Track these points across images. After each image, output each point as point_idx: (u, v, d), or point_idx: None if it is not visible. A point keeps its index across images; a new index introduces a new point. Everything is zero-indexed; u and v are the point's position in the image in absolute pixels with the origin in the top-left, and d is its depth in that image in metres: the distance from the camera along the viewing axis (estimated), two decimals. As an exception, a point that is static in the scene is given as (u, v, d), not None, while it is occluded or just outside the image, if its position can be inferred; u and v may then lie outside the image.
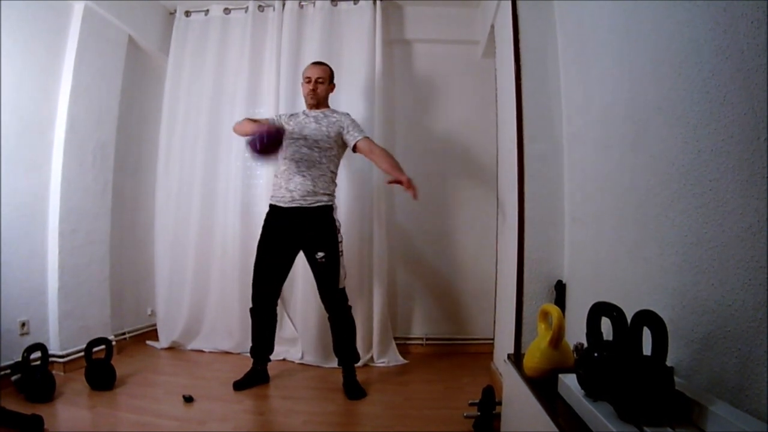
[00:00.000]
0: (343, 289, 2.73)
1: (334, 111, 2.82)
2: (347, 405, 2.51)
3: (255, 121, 2.73)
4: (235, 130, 2.75)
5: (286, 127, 2.72)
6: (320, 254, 2.64)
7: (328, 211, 2.70)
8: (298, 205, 2.65)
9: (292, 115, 2.87)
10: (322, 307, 2.83)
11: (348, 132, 2.70)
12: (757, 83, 0.92)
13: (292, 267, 2.79)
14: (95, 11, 3.03)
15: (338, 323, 2.70)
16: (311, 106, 2.80)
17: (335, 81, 2.90)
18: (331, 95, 2.87)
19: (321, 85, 2.77)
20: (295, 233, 2.67)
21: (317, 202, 2.66)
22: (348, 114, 2.81)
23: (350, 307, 2.76)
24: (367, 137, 2.73)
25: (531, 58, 2.34)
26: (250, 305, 2.75)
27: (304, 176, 2.65)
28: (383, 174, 3.33)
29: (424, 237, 3.59)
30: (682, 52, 1.19)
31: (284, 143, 2.58)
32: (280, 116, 2.88)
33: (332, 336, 2.74)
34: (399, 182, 2.47)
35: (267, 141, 2.38)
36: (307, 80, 2.78)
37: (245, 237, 3.40)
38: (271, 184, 2.88)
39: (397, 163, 2.62)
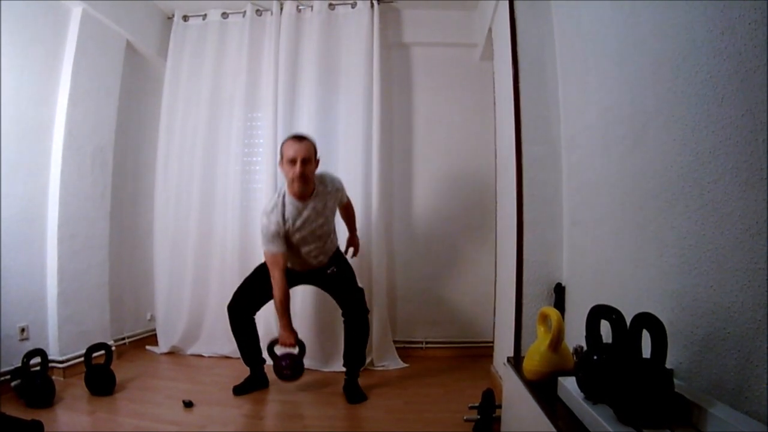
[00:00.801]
0: (362, 289, 2.79)
1: (323, 187, 2.59)
2: (347, 409, 2.50)
3: (287, 301, 2.54)
4: (276, 303, 2.54)
5: (292, 230, 2.53)
6: (331, 268, 2.75)
7: (335, 252, 2.82)
8: (310, 268, 2.74)
9: (283, 214, 2.50)
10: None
11: (342, 200, 2.77)
12: (755, 84, 0.92)
13: None
14: (93, 16, 3.03)
15: (355, 326, 2.68)
16: (301, 194, 2.50)
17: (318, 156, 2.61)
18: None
19: (309, 166, 2.45)
20: (304, 276, 2.79)
21: (327, 258, 2.75)
22: (338, 182, 2.69)
23: (368, 310, 2.77)
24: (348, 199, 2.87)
25: (529, 61, 2.34)
26: (228, 305, 2.73)
27: (318, 258, 2.70)
28: (382, 177, 3.41)
29: (423, 240, 3.59)
30: (680, 54, 1.19)
31: (296, 242, 2.59)
32: (277, 228, 2.49)
33: (345, 339, 2.71)
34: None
35: (293, 369, 2.63)
36: (292, 161, 2.42)
37: (244, 241, 3.41)
38: (269, 198, 2.84)
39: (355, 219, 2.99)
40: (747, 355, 0.95)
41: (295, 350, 2.62)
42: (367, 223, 3.34)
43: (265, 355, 2.80)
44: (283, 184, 2.57)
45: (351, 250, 3.01)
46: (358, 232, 3.05)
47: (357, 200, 3.29)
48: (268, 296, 2.63)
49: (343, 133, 3.44)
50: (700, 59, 1.10)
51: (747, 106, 0.95)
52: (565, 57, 2.20)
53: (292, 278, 2.70)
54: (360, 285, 2.83)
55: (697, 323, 1.12)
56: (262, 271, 2.66)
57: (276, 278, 2.51)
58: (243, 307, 2.71)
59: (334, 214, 2.73)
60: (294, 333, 2.58)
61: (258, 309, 2.76)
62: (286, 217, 2.51)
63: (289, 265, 2.64)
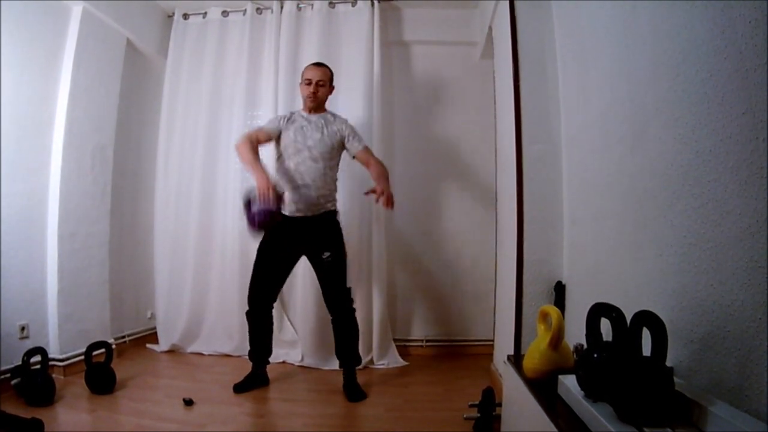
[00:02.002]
0: (350, 289, 2.75)
1: (333, 115, 2.79)
2: (347, 407, 2.51)
3: (256, 153, 2.53)
4: (237, 151, 2.60)
5: (286, 133, 2.68)
6: (326, 254, 2.66)
7: (332, 215, 2.74)
8: (303, 215, 2.66)
9: (289, 118, 2.76)
10: (322, 309, 2.82)
11: (349, 141, 2.73)
12: (755, 83, 0.92)
13: (291, 272, 2.79)
14: (93, 14, 3.03)
15: (342, 325, 2.69)
16: (310, 110, 2.74)
17: (334, 83, 2.86)
18: (327, 105, 2.85)
19: (322, 88, 2.71)
20: (299, 240, 2.69)
21: (321, 209, 2.68)
22: (346, 120, 2.80)
23: (354, 309, 2.76)
24: (366, 146, 2.78)
25: (529, 59, 2.34)
26: (247, 308, 2.74)
27: (308, 188, 2.64)
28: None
29: (423, 238, 3.59)
30: (681, 53, 1.19)
31: (286, 153, 2.64)
32: (279, 119, 2.77)
33: (335, 338, 2.72)
34: (374, 191, 2.53)
35: (265, 219, 2.40)
36: (308, 82, 2.70)
37: (245, 239, 3.39)
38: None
39: (387, 175, 2.67)
40: (747, 354, 0.96)
41: (274, 208, 2.38)
42: (367, 222, 3.34)
43: (273, 356, 2.79)
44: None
45: (382, 199, 2.49)
46: (358, 230, 3.04)
47: (357, 197, 3.29)
48: (281, 278, 2.69)
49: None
50: (700, 58, 1.10)
51: (747, 105, 0.95)
52: (565, 55, 2.19)
53: (288, 234, 2.65)
54: (348, 285, 2.75)
55: (697, 321, 1.13)
56: (262, 255, 2.68)
57: (241, 139, 2.60)
58: (261, 294, 2.70)
59: (333, 142, 2.69)
60: (267, 177, 2.42)
61: (275, 296, 2.76)
62: (291, 118, 2.75)
63: (284, 202, 2.59)
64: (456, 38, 3.61)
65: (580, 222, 2.01)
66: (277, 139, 2.72)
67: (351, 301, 2.74)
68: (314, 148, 2.64)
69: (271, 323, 2.78)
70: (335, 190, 2.78)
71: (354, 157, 2.76)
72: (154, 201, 3.66)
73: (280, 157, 2.73)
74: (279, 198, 2.44)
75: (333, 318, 2.70)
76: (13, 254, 2.62)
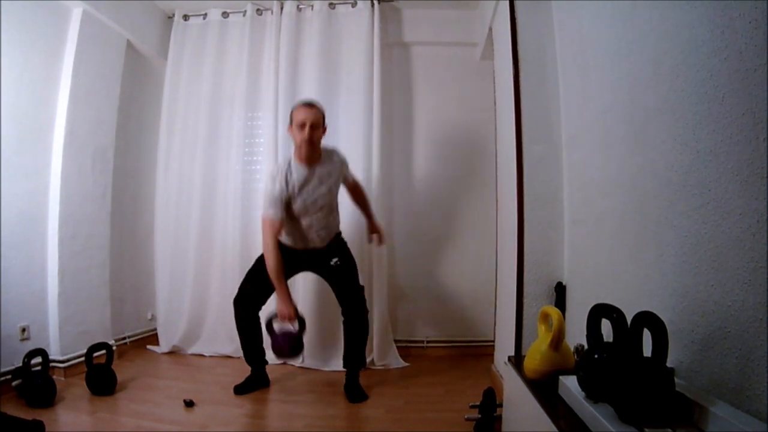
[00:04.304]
0: (363, 288, 2.77)
1: (328, 155, 2.65)
2: (348, 408, 2.51)
3: (281, 264, 2.49)
4: (264, 250, 2.51)
5: (293, 202, 2.54)
6: (335, 260, 2.71)
7: (337, 236, 2.80)
8: (314, 247, 2.70)
9: (288, 178, 2.51)
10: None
11: (346, 173, 2.77)
12: (755, 83, 0.92)
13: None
14: (94, 16, 3.03)
15: (353, 325, 2.68)
16: (307, 159, 2.53)
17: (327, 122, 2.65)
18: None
19: (317, 132, 2.49)
20: (306, 262, 2.75)
21: (328, 239, 2.73)
22: (337, 152, 2.73)
23: (367, 310, 2.77)
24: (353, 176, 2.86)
25: (529, 60, 2.34)
26: (234, 298, 2.72)
27: (318, 233, 2.66)
28: (382, 176, 3.40)
29: (424, 239, 3.59)
30: (681, 53, 1.19)
31: (294, 213, 2.57)
32: (281, 189, 2.49)
33: (345, 338, 2.71)
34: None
35: (289, 344, 2.47)
36: (301, 125, 2.46)
37: (245, 239, 3.41)
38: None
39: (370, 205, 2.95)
40: (748, 354, 0.96)
41: (295, 326, 2.48)
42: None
43: (269, 356, 2.79)
44: (290, 152, 2.59)
45: (375, 237, 2.93)
46: (359, 231, 3.04)
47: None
48: (272, 289, 2.61)
49: (343, 132, 3.43)
50: (700, 58, 1.10)
51: (748, 105, 0.95)
52: (565, 56, 2.19)
53: (295, 260, 2.67)
54: (361, 283, 2.81)
55: (697, 322, 1.12)
56: (261, 266, 2.64)
57: (269, 245, 2.48)
58: (248, 302, 2.69)
59: (337, 187, 2.70)
60: (293, 305, 2.49)
61: (263, 304, 2.73)
62: (290, 181, 2.52)
63: (290, 242, 2.64)
64: (456, 39, 3.61)
65: (581, 223, 2.01)
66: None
67: (364, 300, 2.75)
68: (322, 202, 2.61)
69: (259, 326, 2.74)
70: (338, 214, 2.81)
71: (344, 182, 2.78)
72: (154, 202, 3.66)
73: (287, 214, 2.58)
74: (301, 322, 2.51)
75: (345, 318, 2.69)
76: (13, 256, 2.63)
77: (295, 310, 2.49)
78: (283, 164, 2.57)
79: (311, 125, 2.46)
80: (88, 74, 3.04)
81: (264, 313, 2.70)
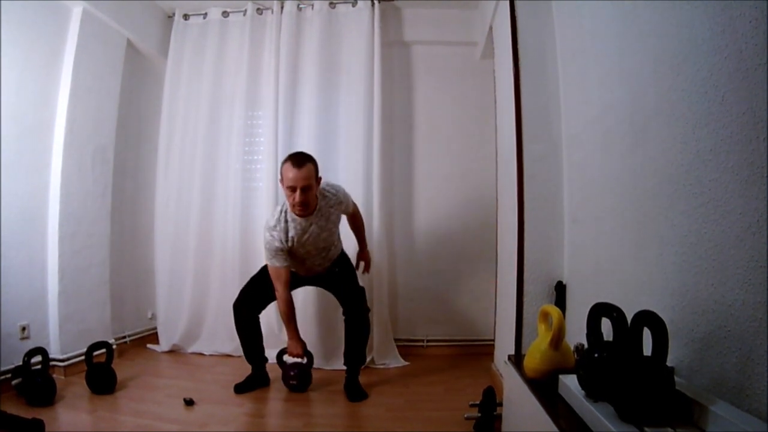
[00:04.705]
0: (363, 289, 2.80)
1: (327, 204, 2.57)
2: (348, 407, 2.51)
3: (293, 312, 2.60)
4: (279, 301, 2.57)
5: (294, 251, 2.55)
6: (335, 269, 2.78)
7: (339, 256, 2.84)
8: (315, 273, 2.78)
9: (287, 230, 2.48)
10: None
11: (346, 211, 2.77)
12: (756, 82, 0.92)
13: None
14: (94, 15, 3.03)
15: (354, 323, 2.68)
16: (303, 215, 2.46)
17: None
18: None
19: (309, 192, 2.38)
20: (307, 280, 2.84)
21: (330, 263, 2.78)
22: (338, 193, 2.64)
23: (369, 309, 2.79)
24: (354, 205, 2.85)
25: (530, 59, 2.34)
26: (234, 303, 2.74)
27: (321, 264, 2.74)
28: (383, 175, 3.41)
29: (424, 239, 3.59)
30: (681, 52, 1.19)
31: (299, 255, 2.61)
32: (282, 243, 2.48)
33: (345, 337, 2.72)
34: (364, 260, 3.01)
35: (300, 379, 2.69)
36: (291, 188, 2.36)
37: (245, 239, 3.41)
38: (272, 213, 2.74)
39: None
40: (748, 353, 0.96)
41: (304, 360, 2.67)
42: (368, 222, 3.33)
43: (269, 358, 2.81)
44: (285, 201, 2.50)
45: (362, 264, 3.02)
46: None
47: (358, 199, 3.27)
48: (273, 297, 2.64)
49: (343, 132, 3.44)
50: (700, 57, 1.10)
51: (748, 104, 0.95)
52: (565, 55, 2.19)
53: (296, 281, 2.71)
54: (361, 284, 2.83)
55: (697, 321, 1.13)
56: (264, 277, 2.67)
57: (280, 292, 2.54)
58: (248, 306, 2.71)
59: (337, 225, 2.72)
60: (302, 343, 2.64)
61: (263, 308, 2.77)
62: (289, 235, 2.50)
63: (292, 269, 2.64)
64: (456, 38, 3.61)
65: (581, 221, 2.01)
66: None
67: (365, 299, 2.78)
68: (323, 244, 2.64)
69: (259, 326, 2.77)
70: (340, 242, 2.85)
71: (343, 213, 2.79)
72: (154, 201, 3.66)
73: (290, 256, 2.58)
74: (309, 356, 2.71)
75: (346, 317, 2.70)
76: (13, 254, 2.63)
77: (304, 348, 2.65)
78: (280, 216, 2.50)
79: (302, 188, 2.35)
80: (89, 73, 3.03)
81: (263, 316, 2.77)
